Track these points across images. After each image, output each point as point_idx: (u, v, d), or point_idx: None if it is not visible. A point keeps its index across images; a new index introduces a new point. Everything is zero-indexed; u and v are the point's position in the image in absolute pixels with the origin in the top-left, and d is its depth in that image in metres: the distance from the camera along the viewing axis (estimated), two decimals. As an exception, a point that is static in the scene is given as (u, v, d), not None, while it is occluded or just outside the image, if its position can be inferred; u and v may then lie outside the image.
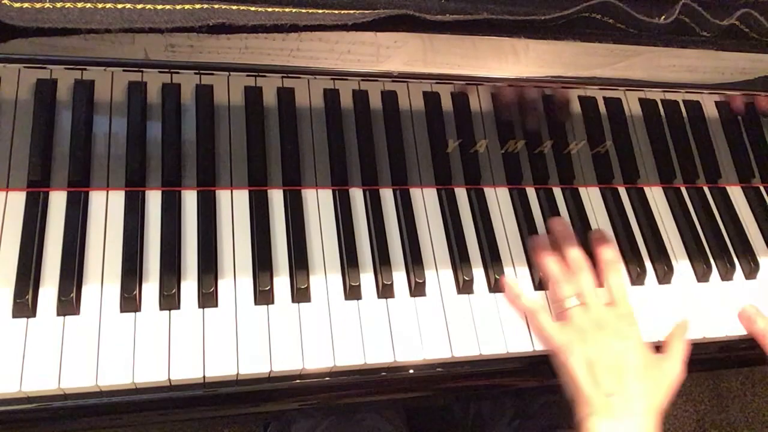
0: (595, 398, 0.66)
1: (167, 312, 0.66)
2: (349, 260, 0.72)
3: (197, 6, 0.53)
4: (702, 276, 0.83)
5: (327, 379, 0.68)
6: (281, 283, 0.70)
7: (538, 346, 0.73)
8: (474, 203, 0.80)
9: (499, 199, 0.82)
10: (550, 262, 0.75)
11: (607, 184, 0.87)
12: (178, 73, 0.74)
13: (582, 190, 0.85)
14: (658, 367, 0.70)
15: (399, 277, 0.73)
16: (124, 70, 0.72)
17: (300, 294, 0.69)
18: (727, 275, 0.84)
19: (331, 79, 0.78)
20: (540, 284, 0.77)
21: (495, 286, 0.75)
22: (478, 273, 0.76)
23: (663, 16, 0.64)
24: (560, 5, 0.61)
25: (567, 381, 0.69)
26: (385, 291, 0.71)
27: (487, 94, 0.84)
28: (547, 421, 0.92)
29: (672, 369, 0.71)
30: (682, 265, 0.83)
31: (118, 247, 0.68)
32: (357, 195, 0.77)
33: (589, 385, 0.67)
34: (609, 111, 0.88)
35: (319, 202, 0.75)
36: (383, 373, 0.70)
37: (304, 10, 0.56)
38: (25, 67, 0.69)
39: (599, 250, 0.77)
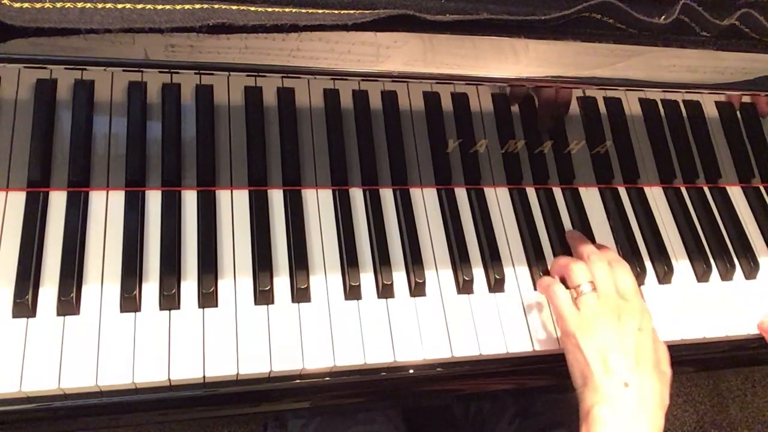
0: (606, 386, 0.62)
1: (167, 312, 0.66)
2: (349, 260, 0.72)
3: (197, 6, 0.53)
4: (702, 276, 0.83)
5: (327, 379, 0.68)
6: (281, 283, 0.70)
7: (538, 347, 0.73)
8: (474, 203, 0.80)
9: (499, 199, 0.82)
10: (562, 257, 0.74)
11: (607, 184, 0.87)
12: (178, 73, 0.74)
13: (582, 190, 0.85)
14: (663, 367, 0.67)
15: (399, 277, 0.73)
16: (124, 70, 0.72)
17: (300, 294, 0.69)
18: (727, 275, 0.84)
19: (331, 79, 0.78)
20: (540, 284, 0.77)
21: (495, 286, 0.75)
22: (478, 273, 0.76)
23: (663, 16, 0.64)
24: (560, 5, 0.61)
25: (575, 367, 0.66)
26: (385, 291, 0.71)
27: (487, 94, 0.84)
28: (547, 419, 0.92)
29: (668, 361, 0.68)
30: (682, 265, 0.83)
31: (118, 247, 0.68)
32: (357, 195, 0.77)
33: (600, 371, 0.63)
34: (609, 111, 0.88)
35: (319, 202, 0.75)
36: (383, 373, 0.70)
37: (304, 10, 0.56)
38: (25, 67, 0.69)
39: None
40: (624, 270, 0.71)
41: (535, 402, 0.94)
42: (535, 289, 0.77)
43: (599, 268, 0.71)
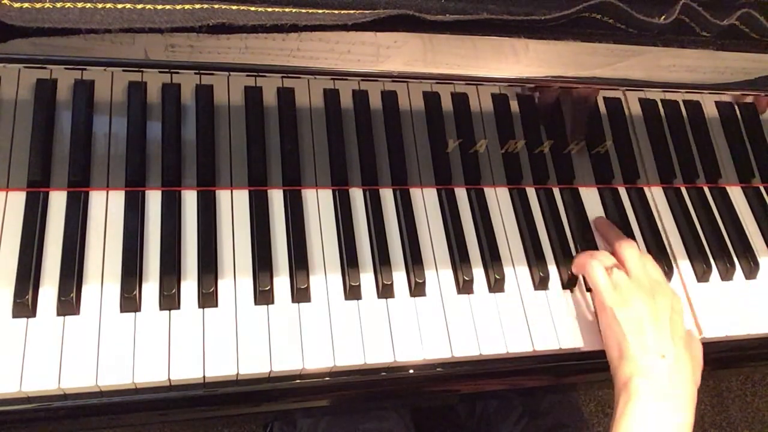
0: (642, 357, 0.64)
1: (167, 312, 0.66)
2: (349, 260, 0.72)
3: (197, 6, 0.53)
4: (702, 276, 0.83)
5: (327, 379, 0.68)
6: (281, 283, 0.70)
7: (538, 347, 0.73)
8: (474, 203, 0.80)
9: (499, 199, 0.82)
10: (583, 253, 0.75)
11: (607, 184, 0.87)
12: (178, 73, 0.74)
13: (582, 190, 0.85)
14: (695, 345, 0.69)
15: (399, 277, 0.73)
16: (124, 70, 0.72)
17: (300, 294, 0.69)
18: (727, 275, 0.84)
19: (331, 79, 0.78)
20: (540, 284, 0.77)
21: (495, 286, 0.75)
22: (478, 273, 0.76)
23: (663, 16, 0.64)
24: (560, 5, 0.61)
25: (612, 339, 0.68)
26: (385, 291, 0.71)
27: (487, 94, 0.84)
28: (554, 419, 0.92)
29: (700, 350, 0.70)
30: (682, 265, 0.83)
31: (118, 247, 0.68)
32: (357, 195, 0.77)
33: (637, 343, 0.65)
34: (609, 111, 0.88)
35: (319, 202, 0.75)
36: (383, 373, 0.70)
37: (304, 10, 0.56)
38: (25, 67, 0.69)
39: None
40: (651, 261, 0.74)
41: (541, 402, 0.94)
42: (536, 288, 0.77)
43: (630, 252, 0.72)
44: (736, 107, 0.95)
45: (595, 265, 0.72)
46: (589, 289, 0.78)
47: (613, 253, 0.75)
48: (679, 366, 0.64)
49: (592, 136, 0.86)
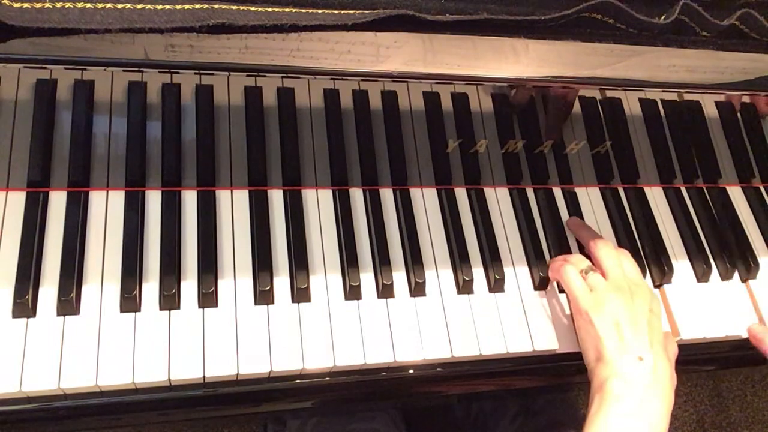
0: (619, 360, 0.63)
1: (167, 312, 0.66)
2: (349, 260, 0.72)
3: (197, 6, 0.53)
4: (702, 276, 0.83)
5: (327, 379, 0.68)
6: (281, 283, 0.70)
7: (538, 347, 0.73)
8: (474, 203, 0.80)
9: (499, 199, 0.82)
10: (557, 258, 0.75)
11: (606, 184, 0.87)
12: (178, 73, 0.74)
13: (582, 190, 0.85)
14: (671, 348, 0.69)
15: (399, 277, 0.73)
16: (124, 70, 0.72)
17: (300, 294, 0.69)
18: (727, 275, 0.84)
19: (331, 79, 0.78)
20: (540, 284, 0.77)
21: (495, 286, 0.75)
22: (478, 273, 0.76)
23: (663, 16, 0.64)
24: (560, 5, 0.61)
25: (588, 342, 0.67)
26: (385, 291, 0.71)
27: (487, 94, 0.84)
28: (549, 418, 0.92)
29: (676, 352, 0.70)
30: (682, 265, 0.83)
31: (118, 247, 0.68)
32: (357, 195, 0.77)
33: (614, 345, 0.64)
34: (609, 111, 0.88)
35: (319, 202, 0.75)
36: (383, 373, 0.70)
37: (304, 10, 0.56)
38: (25, 67, 0.69)
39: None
40: (628, 258, 0.73)
41: (536, 401, 0.94)
42: (536, 288, 0.77)
43: (605, 252, 0.71)
44: (736, 107, 0.95)
45: (568, 269, 0.71)
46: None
47: (589, 255, 0.74)
48: (657, 369, 0.63)
49: (592, 136, 0.86)
